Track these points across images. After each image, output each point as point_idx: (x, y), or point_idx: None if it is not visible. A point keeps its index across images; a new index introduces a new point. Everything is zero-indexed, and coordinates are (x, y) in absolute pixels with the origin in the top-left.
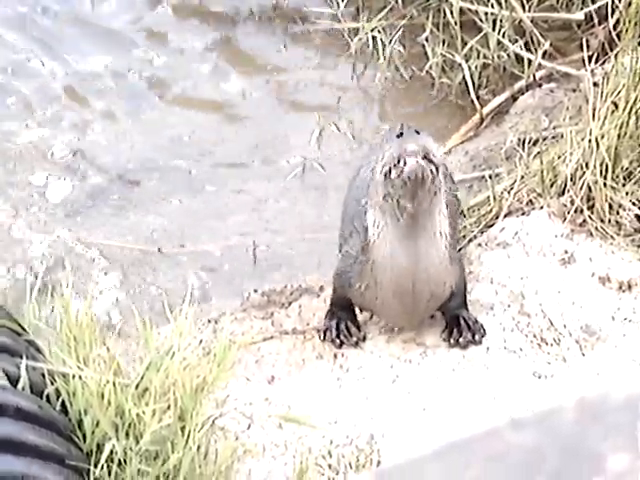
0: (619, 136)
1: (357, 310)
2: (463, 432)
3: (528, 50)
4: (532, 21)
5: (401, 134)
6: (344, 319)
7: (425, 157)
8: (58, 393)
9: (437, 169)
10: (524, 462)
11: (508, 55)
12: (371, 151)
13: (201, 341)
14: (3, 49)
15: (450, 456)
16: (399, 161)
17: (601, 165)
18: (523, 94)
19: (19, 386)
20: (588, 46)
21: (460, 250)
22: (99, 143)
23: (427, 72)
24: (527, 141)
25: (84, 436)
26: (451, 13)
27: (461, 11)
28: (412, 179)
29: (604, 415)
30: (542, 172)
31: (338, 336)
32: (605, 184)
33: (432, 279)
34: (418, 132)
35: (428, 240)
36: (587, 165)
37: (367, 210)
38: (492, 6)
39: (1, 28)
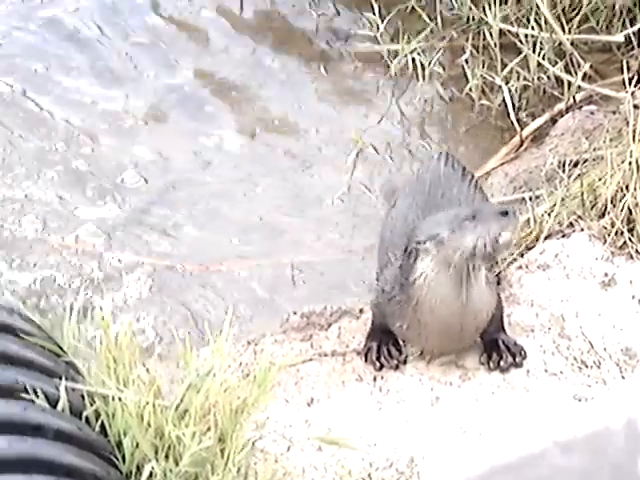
0: None
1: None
2: (507, 455)
3: (568, 72)
4: (572, 43)
5: (506, 213)
6: (385, 341)
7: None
8: (97, 414)
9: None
10: None
11: (548, 77)
12: (408, 182)
13: (241, 363)
14: None
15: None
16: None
17: None
18: (563, 116)
19: (59, 407)
20: (628, 68)
21: (499, 273)
22: (137, 162)
23: (467, 94)
24: (567, 163)
25: (123, 457)
26: (490, 35)
27: (501, 33)
28: (503, 250)
29: None
30: (582, 194)
31: (379, 358)
32: None
33: (478, 316)
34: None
35: (474, 282)
36: (627, 187)
37: (424, 254)
38: (532, 28)
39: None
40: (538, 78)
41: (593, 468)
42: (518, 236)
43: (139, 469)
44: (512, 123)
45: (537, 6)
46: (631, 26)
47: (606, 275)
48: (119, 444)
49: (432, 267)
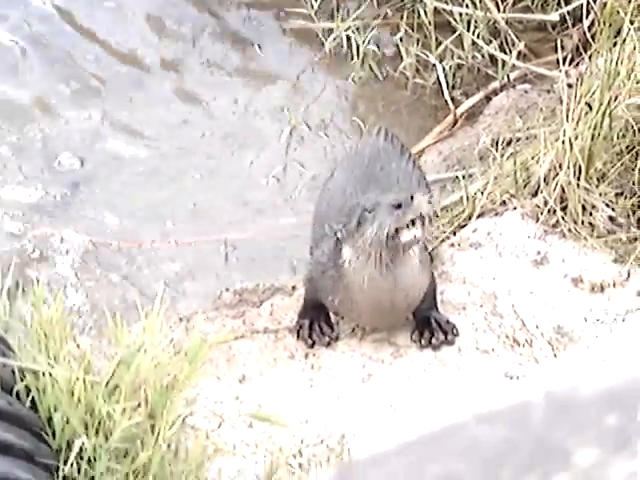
0: (593, 137)
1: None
2: (428, 428)
3: (502, 51)
4: (507, 22)
5: (399, 205)
6: (317, 318)
7: (420, 221)
8: (28, 390)
9: (431, 215)
10: (490, 456)
11: (482, 56)
12: (345, 154)
13: (172, 339)
14: None
15: (414, 450)
16: (396, 234)
17: (574, 166)
18: (497, 95)
19: None
20: (562, 47)
21: (432, 250)
22: (71, 138)
23: (401, 72)
24: (501, 142)
25: (54, 433)
26: (425, 13)
27: (435, 11)
28: (407, 247)
29: (572, 410)
30: (515, 173)
31: (310, 335)
32: (578, 185)
33: (409, 294)
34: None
35: (404, 263)
36: (560, 166)
37: (344, 242)
38: (467, 6)
39: None
40: (472, 57)
41: (512, 439)
42: (451, 214)
43: (69, 445)
44: (446, 102)
45: None
46: (566, 5)
47: (538, 253)
48: (49, 420)
49: (353, 252)
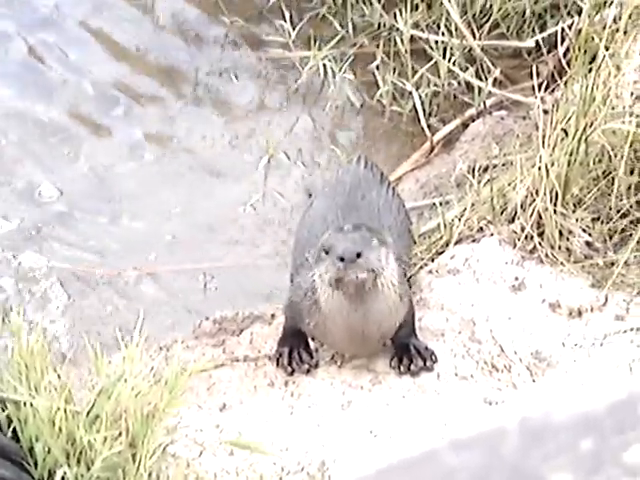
0: (569, 163)
1: (310, 337)
2: (402, 454)
3: (478, 78)
4: (482, 49)
5: (342, 259)
6: (296, 346)
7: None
8: (9, 420)
9: (379, 269)
10: None
11: (459, 83)
12: (326, 183)
13: (152, 368)
14: None
15: (391, 477)
16: (337, 280)
17: (551, 192)
18: (474, 121)
19: None
20: (538, 74)
21: (410, 277)
22: (51, 168)
23: (378, 100)
24: (477, 168)
25: (35, 463)
26: (401, 41)
27: (412, 39)
28: (354, 287)
29: (546, 435)
30: (492, 199)
31: (290, 363)
32: (555, 211)
33: (382, 326)
34: (360, 249)
35: (376, 298)
36: (537, 192)
37: (314, 273)
38: (442, 34)
39: None
40: (449, 84)
41: (486, 466)
42: (428, 241)
43: (51, 474)
44: (423, 129)
45: (447, 12)
46: (541, 32)
47: (516, 279)
48: (31, 449)
49: (321, 284)
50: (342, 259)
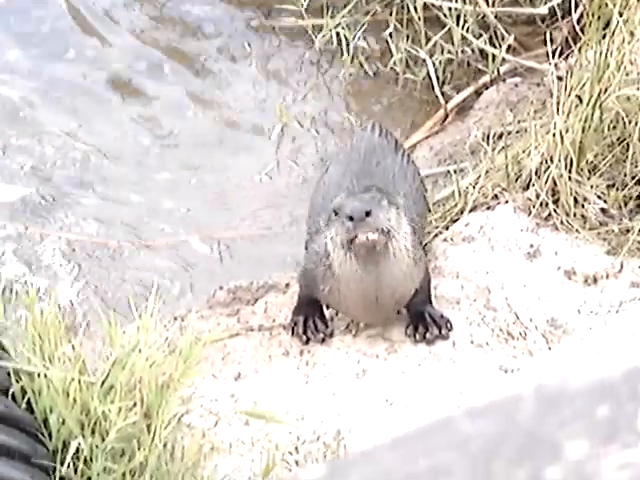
0: (583, 129)
1: (325, 306)
2: (417, 423)
3: (492, 45)
4: (496, 16)
5: (351, 218)
6: (311, 315)
7: (377, 230)
8: (24, 392)
9: (390, 230)
10: (482, 450)
11: (472, 50)
12: (341, 150)
13: (167, 338)
14: None
15: (405, 445)
16: (348, 243)
17: (566, 159)
18: (487, 89)
19: None
20: (552, 40)
21: (425, 245)
22: (58, 134)
23: (391, 68)
24: (492, 136)
25: (50, 434)
26: (415, 9)
27: (425, 7)
28: (365, 250)
29: (562, 402)
30: (507, 166)
31: (305, 332)
32: (570, 178)
33: (396, 292)
34: (371, 206)
35: (387, 261)
36: (552, 159)
37: (325, 236)
38: (456, 1)
39: None
40: (462, 51)
41: (501, 432)
42: (443, 209)
43: (65, 445)
44: (436, 96)
45: None
46: None
47: (531, 246)
48: (45, 421)
49: (333, 248)
50: (351, 218)
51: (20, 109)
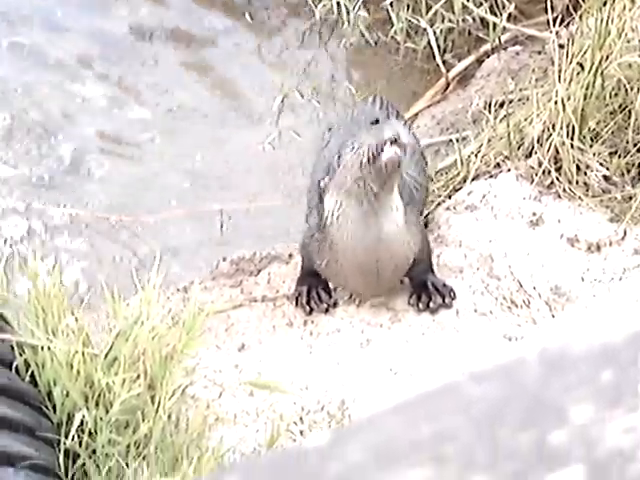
0: (585, 97)
1: None
2: (423, 388)
3: (493, 13)
4: None
5: (377, 121)
6: (314, 285)
7: (398, 144)
8: (27, 365)
9: (406, 153)
10: (486, 415)
11: (473, 19)
12: (340, 120)
13: (170, 310)
14: None
15: (409, 410)
16: (376, 150)
17: (568, 126)
18: (489, 57)
19: None
20: (553, 8)
21: (428, 215)
22: (64, 113)
23: (392, 37)
24: (493, 104)
25: (54, 407)
26: None
27: None
28: (389, 168)
29: (566, 366)
30: (509, 135)
31: (309, 302)
32: (572, 145)
33: (395, 254)
34: (389, 114)
35: (388, 217)
36: (554, 127)
37: (326, 192)
38: None
39: None
40: (463, 20)
41: (506, 396)
42: (445, 178)
43: (70, 418)
44: (438, 65)
45: None
46: None
47: (534, 214)
48: (49, 394)
49: (335, 201)
50: (376, 121)
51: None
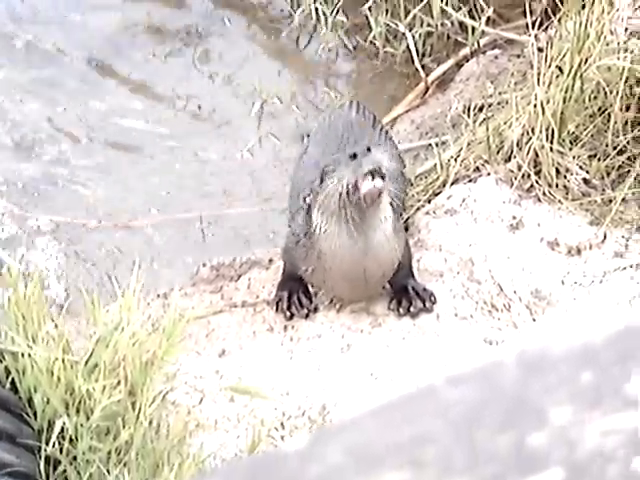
0: (564, 100)
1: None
2: (398, 393)
3: (472, 17)
4: None
5: (354, 155)
6: (295, 290)
7: (379, 174)
8: (7, 371)
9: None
10: (464, 418)
11: (452, 23)
12: (318, 126)
13: (150, 316)
14: None
15: (388, 414)
16: (355, 183)
17: (547, 130)
18: (468, 61)
19: None
20: (531, 12)
21: (407, 219)
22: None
23: (371, 42)
24: (473, 108)
25: (35, 414)
26: None
27: None
28: (369, 200)
29: (545, 368)
30: (488, 138)
31: (289, 308)
32: (552, 149)
33: (383, 263)
34: (366, 121)
35: (375, 228)
36: (533, 130)
37: (312, 207)
38: None
39: None
40: (442, 24)
41: (484, 399)
42: (425, 182)
43: (50, 425)
44: (417, 69)
45: None
46: None
47: (514, 218)
48: (30, 400)
49: (322, 217)
50: (354, 155)
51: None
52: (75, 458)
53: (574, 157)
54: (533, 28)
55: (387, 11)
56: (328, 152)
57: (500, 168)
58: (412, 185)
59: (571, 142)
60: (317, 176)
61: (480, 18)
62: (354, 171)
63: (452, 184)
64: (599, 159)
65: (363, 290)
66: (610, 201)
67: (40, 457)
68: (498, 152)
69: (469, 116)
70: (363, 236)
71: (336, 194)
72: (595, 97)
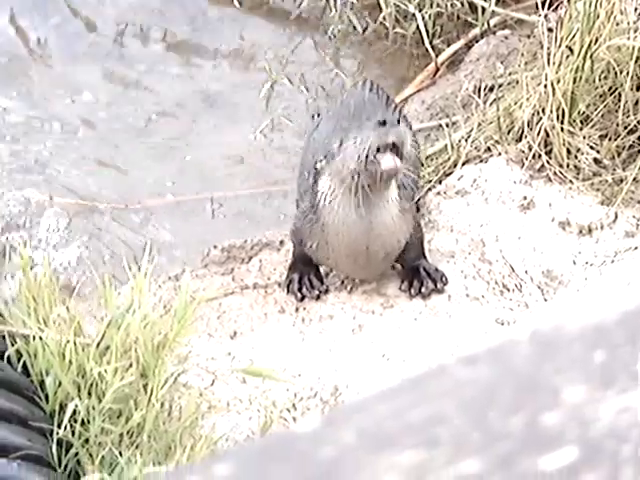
0: (575, 80)
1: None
2: (413, 373)
3: None
4: None
5: (384, 122)
6: (306, 272)
7: (399, 154)
8: (19, 354)
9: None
10: (477, 398)
11: (462, 3)
12: (329, 105)
13: (161, 298)
14: None
15: (399, 395)
16: (378, 150)
17: (557, 110)
18: (478, 42)
19: None
20: None
21: (418, 200)
22: (55, 100)
23: (381, 23)
24: (483, 88)
25: (46, 397)
26: None
27: None
28: (386, 177)
29: (558, 347)
30: (499, 119)
31: (300, 289)
32: (562, 129)
33: (386, 242)
34: (380, 99)
35: (381, 207)
36: (544, 110)
37: (322, 174)
38: None
39: None
40: (452, 4)
41: (496, 378)
42: (436, 163)
43: (62, 408)
44: (427, 50)
45: None
46: None
47: (525, 198)
48: (42, 383)
49: (329, 186)
50: (384, 122)
51: None
52: (87, 441)
53: (585, 137)
54: (543, 8)
55: None
56: (339, 129)
57: (511, 148)
58: (423, 166)
59: (582, 122)
60: (336, 141)
61: None
62: (380, 137)
63: (463, 164)
64: (610, 139)
65: (367, 268)
66: (621, 181)
67: (52, 440)
68: (509, 132)
69: (479, 96)
70: (368, 213)
71: (355, 156)
72: (605, 77)
